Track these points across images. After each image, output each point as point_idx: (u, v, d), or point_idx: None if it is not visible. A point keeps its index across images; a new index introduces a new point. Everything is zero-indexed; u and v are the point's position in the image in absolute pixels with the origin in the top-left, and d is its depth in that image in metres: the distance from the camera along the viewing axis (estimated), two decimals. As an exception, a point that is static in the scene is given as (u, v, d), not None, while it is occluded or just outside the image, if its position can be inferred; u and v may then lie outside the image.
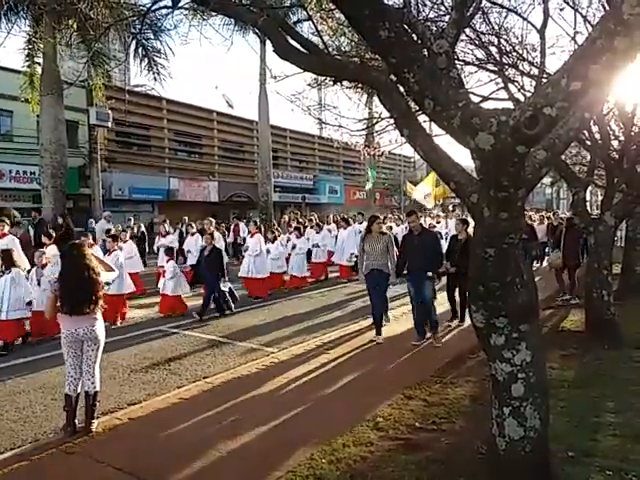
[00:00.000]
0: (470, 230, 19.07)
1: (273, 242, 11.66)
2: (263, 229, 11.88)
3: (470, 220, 21.38)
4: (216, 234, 10.36)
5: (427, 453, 3.58)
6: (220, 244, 10.63)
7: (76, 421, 4.16)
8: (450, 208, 28.78)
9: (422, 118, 4.31)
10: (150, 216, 21.79)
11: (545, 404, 3.03)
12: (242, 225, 18.18)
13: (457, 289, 7.65)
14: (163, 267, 9.92)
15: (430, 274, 6.60)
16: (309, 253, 13.50)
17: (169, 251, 9.67)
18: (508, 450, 2.98)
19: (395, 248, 7.37)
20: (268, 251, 11.38)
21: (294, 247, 12.15)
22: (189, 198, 23.37)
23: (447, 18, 4.60)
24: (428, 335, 6.84)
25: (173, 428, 4.19)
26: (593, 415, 4.18)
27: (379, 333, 6.90)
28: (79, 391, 4.23)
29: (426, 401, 4.63)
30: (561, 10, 6.04)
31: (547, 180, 32.74)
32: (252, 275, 10.63)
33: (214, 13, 6.13)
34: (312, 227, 14.27)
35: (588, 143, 7.23)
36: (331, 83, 6.19)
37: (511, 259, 2.87)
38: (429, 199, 21.18)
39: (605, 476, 3.20)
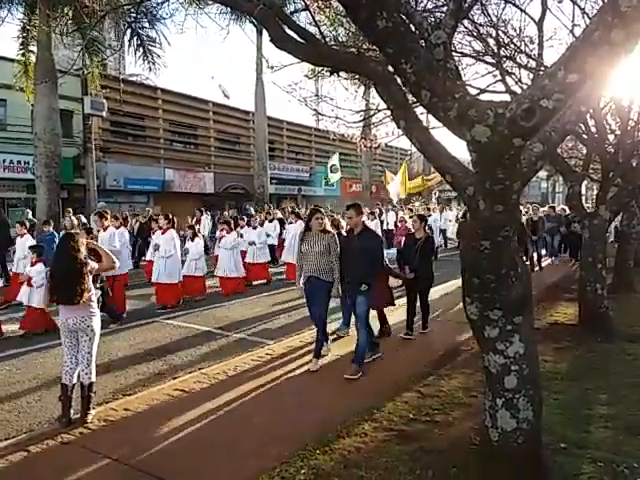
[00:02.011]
0: (453, 222, 18.61)
1: (193, 240, 9.83)
2: (177, 224, 9.79)
3: (446, 214, 20.00)
4: (108, 231, 8.36)
5: (421, 444, 3.60)
6: (123, 241, 8.74)
7: (72, 412, 4.16)
8: (433, 200, 28.61)
9: (419, 110, 4.30)
10: (145, 207, 21.69)
11: (538, 396, 3.06)
12: (204, 219, 16.06)
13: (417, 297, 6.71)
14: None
15: (365, 287, 5.26)
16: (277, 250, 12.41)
17: (36, 250, 7.34)
18: (501, 441, 3.01)
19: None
20: (187, 251, 9.72)
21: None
22: (184, 189, 23.26)
23: (445, 9, 4.58)
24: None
25: (168, 419, 4.20)
26: (586, 407, 4.22)
27: (317, 355, 5.50)
28: (75, 381, 4.22)
29: (420, 393, 4.66)
30: (559, 2, 6.01)
31: (543, 174, 32.74)
32: (161, 280, 8.88)
33: (210, 1, 6.08)
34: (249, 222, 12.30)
35: (584, 137, 7.23)
36: (328, 74, 6.16)
37: (506, 252, 2.88)
38: (396, 192, 20.89)
39: (597, 467, 3.23)
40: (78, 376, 4.24)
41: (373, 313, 6.49)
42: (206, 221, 16.52)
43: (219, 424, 4.13)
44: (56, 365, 5.26)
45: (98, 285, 6.71)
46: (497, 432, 3.02)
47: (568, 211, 14.51)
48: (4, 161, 17.44)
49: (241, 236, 11.33)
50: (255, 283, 11.41)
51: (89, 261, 4.35)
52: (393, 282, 6.69)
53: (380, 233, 15.91)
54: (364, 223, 5.64)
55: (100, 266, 4.70)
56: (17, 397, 4.88)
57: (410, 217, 15.09)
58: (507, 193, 2.73)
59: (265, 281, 11.61)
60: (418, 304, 6.77)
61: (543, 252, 14.29)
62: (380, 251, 5.58)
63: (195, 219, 15.07)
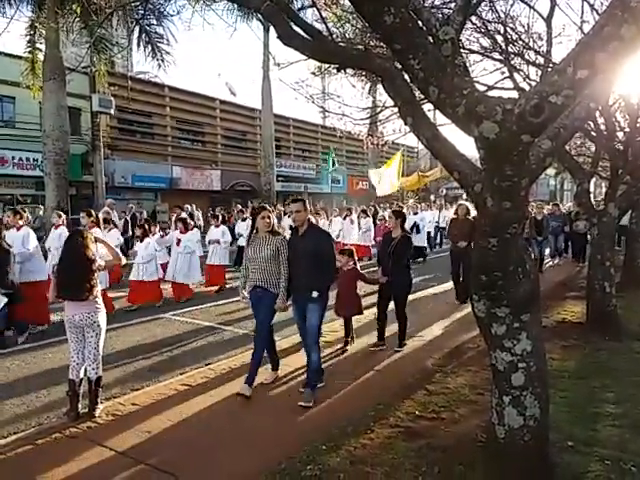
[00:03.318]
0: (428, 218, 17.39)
1: (142, 241, 8.75)
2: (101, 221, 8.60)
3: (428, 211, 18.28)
4: (22, 231, 7.02)
5: (427, 441, 3.60)
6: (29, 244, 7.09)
7: (79, 406, 4.20)
8: (432, 197, 28.27)
9: (426, 107, 4.28)
10: (153, 204, 21.79)
11: (545, 393, 3.05)
12: (184, 215, 13.43)
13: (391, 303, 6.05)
14: None
15: (316, 294, 4.47)
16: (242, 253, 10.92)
17: None
18: (507, 439, 3.00)
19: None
20: (135, 254, 8.78)
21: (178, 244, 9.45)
22: (192, 187, 23.37)
23: (453, 5, 4.56)
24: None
25: (175, 413, 4.23)
26: (593, 405, 4.20)
27: (249, 382, 4.61)
28: (82, 376, 4.26)
29: (426, 390, 4.66)
30: (568, -2, 5.96)
31: (551, 171, 32.51)
32: None
33: (217, -2, 6.10)
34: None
35: (593, 134, 7.18)
36: (335, 71, 6.16)
37: (513, 249, 2.87)
38: (385, 186, 19.97)
39: (604, 466, 3.21)
40: (85, 371, 4.28)
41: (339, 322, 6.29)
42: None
43: (226, 419, 4.15)
44: (64, 360, 5.30)
45: (2, 292, 6.16)
46: (504, 429, 3.01)
47: (571, 209, 14.10)
48: (13, 158, 17.60)
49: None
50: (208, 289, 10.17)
51: (97, 258, 4.38)
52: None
53: (373, 232, 14.77)
54: (309, 221, 4.77)
55: (107, 262, 4.72)
56: (26, 392, 4.92)
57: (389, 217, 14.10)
58: (515, 190, 2.72)
59: (217, 287, 10.14)
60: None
61: (546, 252, 13.48)
62: (330, 252, 4.68)
63: (175, 217, 13.42)
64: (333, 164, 24.40)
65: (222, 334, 7.00)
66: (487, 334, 3.08)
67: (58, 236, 8.34)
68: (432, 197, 29.15)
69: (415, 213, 15.55)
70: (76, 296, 4.17)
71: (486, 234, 2.86)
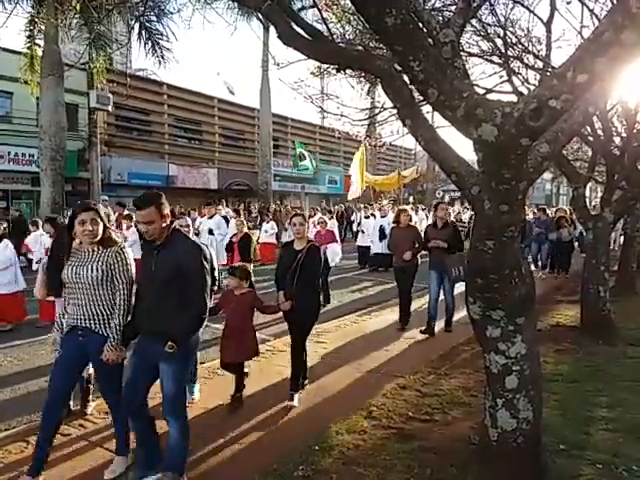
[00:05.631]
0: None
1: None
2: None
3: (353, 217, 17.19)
4: None
5: (420, 442, 3.61)
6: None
7: (71, 403, 4.17)
8: (411, 199, 27.80)
9: (424, 109, 4.29)
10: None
11: (538, 397, 3.06)
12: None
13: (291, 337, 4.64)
14: None
15: (172, 348, 2.87)
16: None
17: None
18: (500, 441, 3.01)
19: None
20: None
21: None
22: (188, 185, 23.29)
23: (453, 8, 4.57)
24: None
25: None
26: (586, 409, 4.21)
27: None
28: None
29: (420, 391, 4.66)
30: (568, 3, 5.99)
31: (547, 176, 32.62)
32: None
33: (218, -3, 6.08)
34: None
35: (590, 139, 7.22)
36: (334, 72, 6.16)
37: (509, 252, 2.88)
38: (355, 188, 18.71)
39: (596, 469, 3.22)
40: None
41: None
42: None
43: (219, 419, 4.14)
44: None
45: None
46: (497, 432, 3.02)
47: (551, 215, 13.32)
48: (9, 153, 17.49)
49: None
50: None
51: None
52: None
53: (337, 235, 10.20)
54: (171, 227, 3.06)
55: None
56: (18, 388, 4.90)
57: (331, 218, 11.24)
58: (513, 193, 2.73)
59: None
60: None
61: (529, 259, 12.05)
62: (200, 277, 2.95)
63: (117, 214, 11.53)
64: (301, 159, 22.21)
65: (215, 334, 6.96)
66: (482, 336, 3.08)
67: None
68: (411, 199, 28.32)
69: (383, 216, 13.39)
70: None
71: (483, 237, 2.87)
